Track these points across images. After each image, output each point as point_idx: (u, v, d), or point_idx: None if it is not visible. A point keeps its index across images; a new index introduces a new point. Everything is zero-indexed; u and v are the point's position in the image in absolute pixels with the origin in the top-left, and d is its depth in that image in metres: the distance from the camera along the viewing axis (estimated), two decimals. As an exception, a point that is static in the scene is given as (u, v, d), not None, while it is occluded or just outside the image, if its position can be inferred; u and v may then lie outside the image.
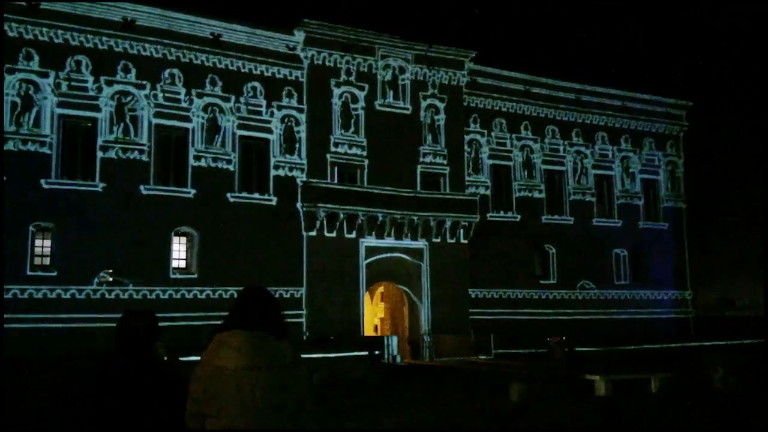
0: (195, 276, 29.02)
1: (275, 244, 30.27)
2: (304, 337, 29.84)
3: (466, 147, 35.70)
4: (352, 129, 32.72)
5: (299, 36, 31.94)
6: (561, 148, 38.66)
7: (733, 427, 13.16)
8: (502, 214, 36.39)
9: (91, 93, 27.73)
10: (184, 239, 29.59)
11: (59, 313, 25.84)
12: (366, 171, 32.66)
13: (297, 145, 31.64)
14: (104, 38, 28.08)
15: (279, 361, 3.11)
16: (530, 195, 37.39)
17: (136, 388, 3.37)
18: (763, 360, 22.72)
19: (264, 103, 31.12)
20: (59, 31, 27.26)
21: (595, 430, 12.90)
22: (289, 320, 29.58)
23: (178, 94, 29.42)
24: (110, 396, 3.34)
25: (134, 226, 27.66)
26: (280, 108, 31.45)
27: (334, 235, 31.33)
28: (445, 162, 34.73)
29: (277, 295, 29.92)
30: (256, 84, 31.07)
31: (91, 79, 27.75)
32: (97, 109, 27.84)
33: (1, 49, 25.32)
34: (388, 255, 32.78)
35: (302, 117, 31.85)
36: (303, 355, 3.37)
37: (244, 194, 30.42)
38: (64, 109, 27.28)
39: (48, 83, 26.99)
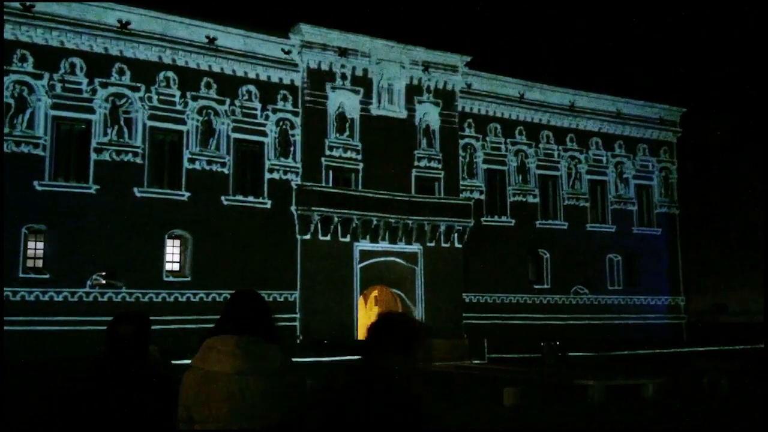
0: (188, 279, 28.95)
1: (269, 248, 30.22)
2: (298, 341, 29.78)
3: (460, 151, 35.76)
4: (347, 133, 32.72)
5: (295, 40, 31.94)
6: (555, 153, 38.74)
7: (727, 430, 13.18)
8: (496, 218, 36.44)
9: (86, 95, 27.66)
10: (177, 242, 29.51)
11: (51, 316, 25.71)
12: (361, 175, 32.66)
13: (292, 149, 31.62)
14: (99, 40, 28.01)
15: (270, 366, 3.09)
16: (524, 200, 37.45)
17: (127, 391, 3.36)
18: (764, 365, 22.69)
19: (259, 106, 31.10)
20: (54, 33, 27.18)
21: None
22: (282, 324, 29.53)
23: (173, 96, 29.36)
24: (102, 400, 3.34)
25: (128, 229, 27.58)
26: (275, 111, 31.44)
27: (328, 238, 31.30)
28: (439, 166, 34.76)
29: (270, 299, 29.97)
30: (251, 87, 31.05)
31: (85, 81, 27.68)
32: (92, 111, 27.77)
33: (1, 50, 25.16)
34: (383, 259, 32.77)
35: (297, 120, 31.84)
36: (296, 359, 3.37)
37: (239, 197, 30.38)
38: (58, 111, 27.19)
39: (42, 85, 26.90)
